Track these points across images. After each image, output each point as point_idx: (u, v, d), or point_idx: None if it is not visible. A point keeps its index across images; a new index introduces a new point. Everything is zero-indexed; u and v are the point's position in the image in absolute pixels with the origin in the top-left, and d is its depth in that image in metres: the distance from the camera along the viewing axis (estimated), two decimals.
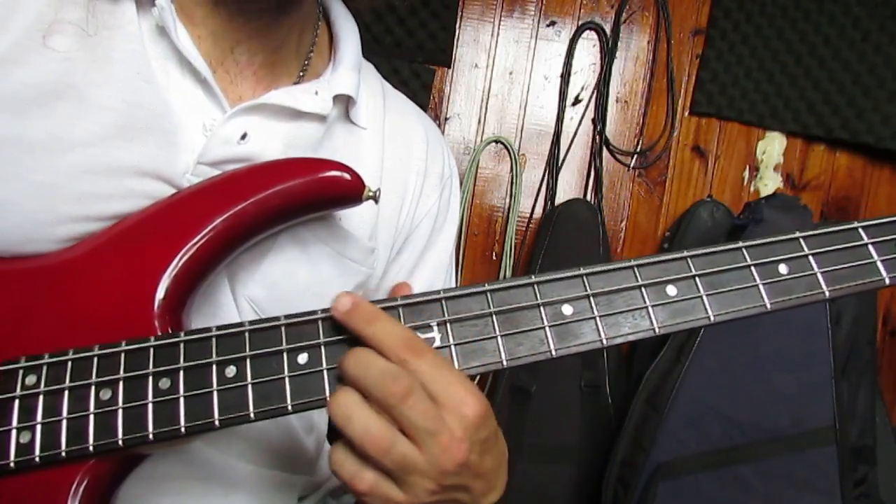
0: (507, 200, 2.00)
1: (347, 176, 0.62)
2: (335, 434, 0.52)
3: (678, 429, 1.67)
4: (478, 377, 1.91)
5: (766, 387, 1.66)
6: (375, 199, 0.64)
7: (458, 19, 1.96)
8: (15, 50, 0.56)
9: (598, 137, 2.00)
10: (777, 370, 1.67)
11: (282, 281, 0.66)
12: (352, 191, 0.62)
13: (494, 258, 2.00)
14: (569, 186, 2.01)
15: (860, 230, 0.58)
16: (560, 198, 1.99)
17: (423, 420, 0.49)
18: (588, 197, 2.01)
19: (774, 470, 1.62)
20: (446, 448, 0.49)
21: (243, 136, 0.64)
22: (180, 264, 0.57)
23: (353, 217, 0.71)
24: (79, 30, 0.58)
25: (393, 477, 0.50)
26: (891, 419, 1.83)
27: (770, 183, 2.02)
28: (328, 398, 0.52)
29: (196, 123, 0.63)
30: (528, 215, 2.00)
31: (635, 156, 2.02)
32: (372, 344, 0.52)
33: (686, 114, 2.02)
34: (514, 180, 1.98)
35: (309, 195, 0.61)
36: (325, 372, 0.53)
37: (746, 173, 2.03)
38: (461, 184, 1.95)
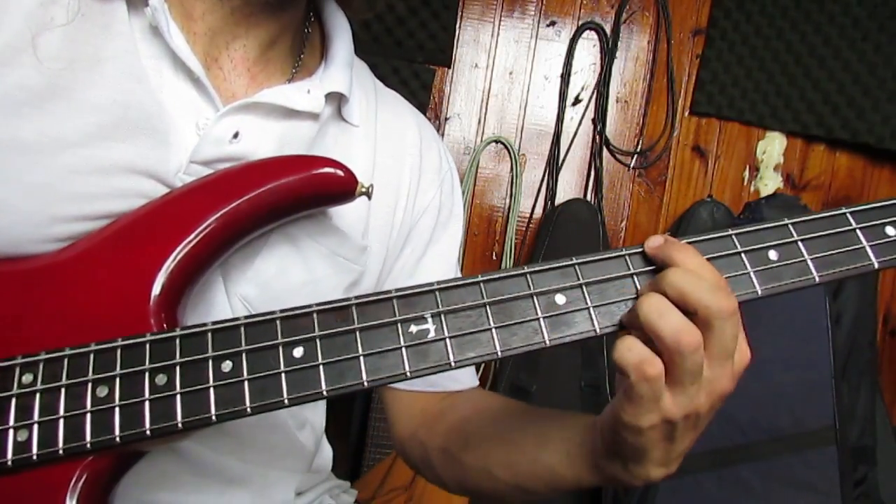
0: (507, 200, 2.00)
1: (340, 172, 0.62)
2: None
3: None
4: (479, 373, 1.92)
5: (766, 387, 1.66)
6: (368, 194, 0.64)
7: (458, 19, 1.97)
8: (5, 52, 0.56)
9: (598, 137, 2.00)
10: (777, 370, 1.67)
11: (274, 280, 0.66)
12: (345, 187, 0.62)
13: (494, 258, 2.00)
14: (569, 186, 2.01)
15: (848, 216, 0.59)
16: (560, 198, 1.99)
17: (731, 341, 0.51)
18: (588, 197, 2.01)
19: (774, 470, 1.62)
20: (725, 375, 0.52)
21: (235, 136, 0.64)
22: (176, 261, 0.57)
23: (345, 215, 0.71)
24: (69, 30, 0.58)
25: (675, 379, 0.51)
26: (891, 419, 1.83)
27: (770, 183, 2.02)
28: (639, 294, 0.54)
29: (189, 122, 0.63)
30: (528, 215, 2.00)
31: (635, 156, 2.02)
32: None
33: (686, 114, 2.03)
34: (514, 180, 1.98)
35: (302, 192, 0.61)
36: (321, 366, 0.53)
37: (746, 173, 2.03)
38: (462, 184, 1.96)
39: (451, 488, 0.81)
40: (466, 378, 0.85)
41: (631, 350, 0.51)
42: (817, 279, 0.57)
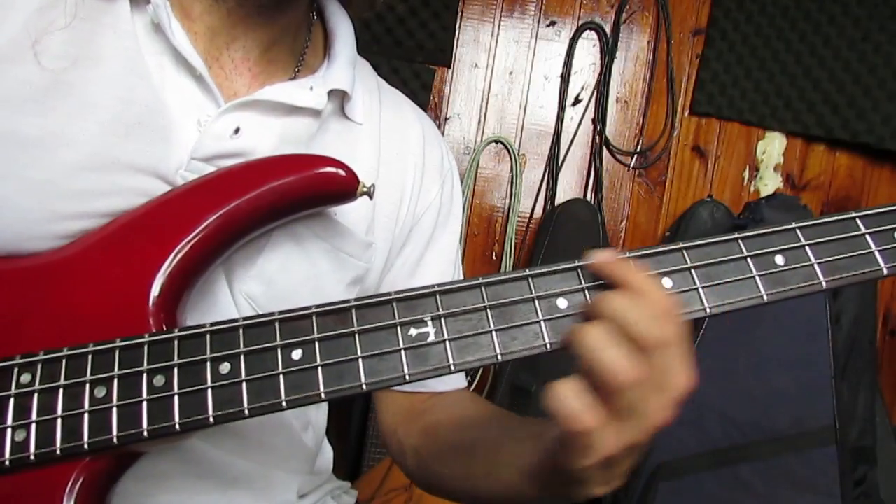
0: (507, 200, 2.00)
1: (342, 172, 0.62)
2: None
3: (678, 429, 1.67)
4: (479, 374, 1.92)
5: (766, 387, 1.66)
6: (370, 194, 0.64)
7: (458, 19, 1.96)
8: (9, 48, 0.56)
9: (598, 137, 2.00)
10: (777, 370, 1.67)
11: (278, 276, 0.66)
12: (346, 187, 0.62)
13: (494, 258, 2.00)
14: (569, 186, 2.01)
15: (857, 220, 0.57)
16: (560, 198, 1.99)
17: (668, 371, 0.49)
18: (588, 197, 2.01)
19: (774, 470, 1.62)
20: (664, 407, 0.49)
21: (236, 131, 0.64)
22: (175, 262, 0.57)
23: (349, 212, 0.71)
24: (72, 28, 0.58)
25: (614, 417, 0.49)
26: (891, 419, 1.83)
27: (770, 183, 2.02)
28: (576, 329, 0.51)
29: (191, 119, 0.63)
30: (528, 215, 2.00)
31: (635, 156, 2.02)
32: (635, 291, 0.51)
33: (686, 114, 2.02)
34: (514, 180, 1.98)
35: (303, 192, 0.61)
36: (319, 367, 0.53)
37: (746, 173, 2.03)
38: (461, 184, 1.95)
39: (421, 486, 0.82)
40: (453, 379, 0.84)
41: (567, 397, 0.49)
42: (824, 285, 0.55)
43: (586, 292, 0.54)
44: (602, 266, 0.53)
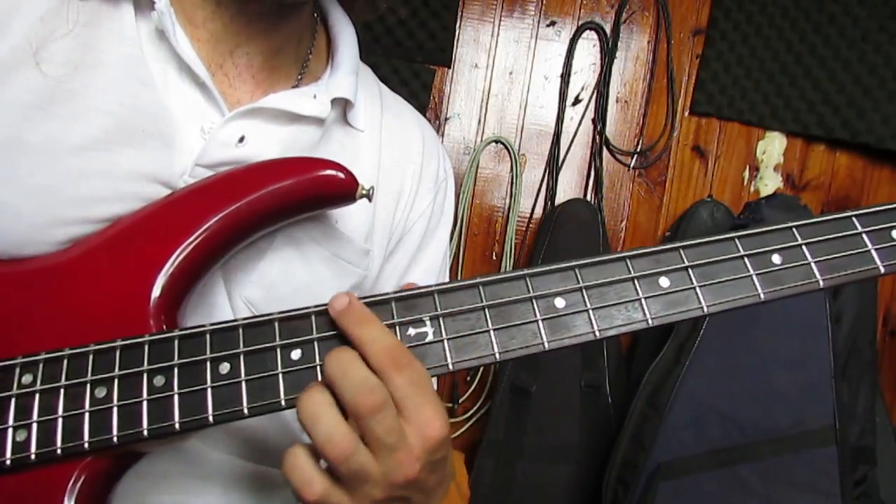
0: (507, 200, 2.00)
1: (341, 174, 0.62)
2: None
3: (678, 429, 1.67)
4: (479, 374, 1.92)
5: (766, 387, 1.66)
6: (369, 197, 0.64)
7: (458, 19, 1.96)
8: (13, 55, 0.56)
9: (598, 137, 2.00)
10: (777, 370, 1.67)
11: (278, 282, 0.67)
12: (346, 189, 0.63)
13: (494, 258, 2.00)
14: (569, 186, 2.01)
15: (854, 219, 0.58)
16: (560, 198, 1.99)
17: (385, 435, 0.49)
18: (588, 197, 2.01)
19: (774, 470, 1.62)
20: (401, 464, 0.50)
21: (241, 139, 0.64)
22: (176, 263, 0.57)
23: (348, 219, 0.71)
24: (76, 34, 0.59)
25: (344, 484, 0.51)
26: (891, 419, 1.83)
27: (770, 183, 2.02)
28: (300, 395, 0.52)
29: (194, 126, 0.63)
30: (528, 215, 2.00)
31: (635, 156, 2.02)
32: (358, 346, 0.52)
33: (686, 114, 2.02)
34: (514, 180, 1.98)
35: (303, 194, 0.62)
36: (318, 367, 0.53)
37: (746, 173, 2.03)
38: (461, 184, 1.95)
39: None
40: None
41: (294, 470, 0.51)
42: (821, 283, 0.56)
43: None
44: (337, 315, 0.54)
